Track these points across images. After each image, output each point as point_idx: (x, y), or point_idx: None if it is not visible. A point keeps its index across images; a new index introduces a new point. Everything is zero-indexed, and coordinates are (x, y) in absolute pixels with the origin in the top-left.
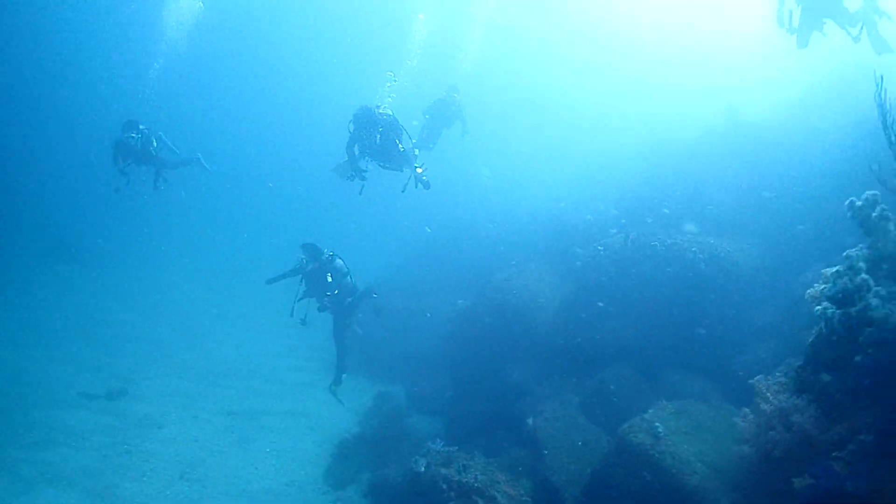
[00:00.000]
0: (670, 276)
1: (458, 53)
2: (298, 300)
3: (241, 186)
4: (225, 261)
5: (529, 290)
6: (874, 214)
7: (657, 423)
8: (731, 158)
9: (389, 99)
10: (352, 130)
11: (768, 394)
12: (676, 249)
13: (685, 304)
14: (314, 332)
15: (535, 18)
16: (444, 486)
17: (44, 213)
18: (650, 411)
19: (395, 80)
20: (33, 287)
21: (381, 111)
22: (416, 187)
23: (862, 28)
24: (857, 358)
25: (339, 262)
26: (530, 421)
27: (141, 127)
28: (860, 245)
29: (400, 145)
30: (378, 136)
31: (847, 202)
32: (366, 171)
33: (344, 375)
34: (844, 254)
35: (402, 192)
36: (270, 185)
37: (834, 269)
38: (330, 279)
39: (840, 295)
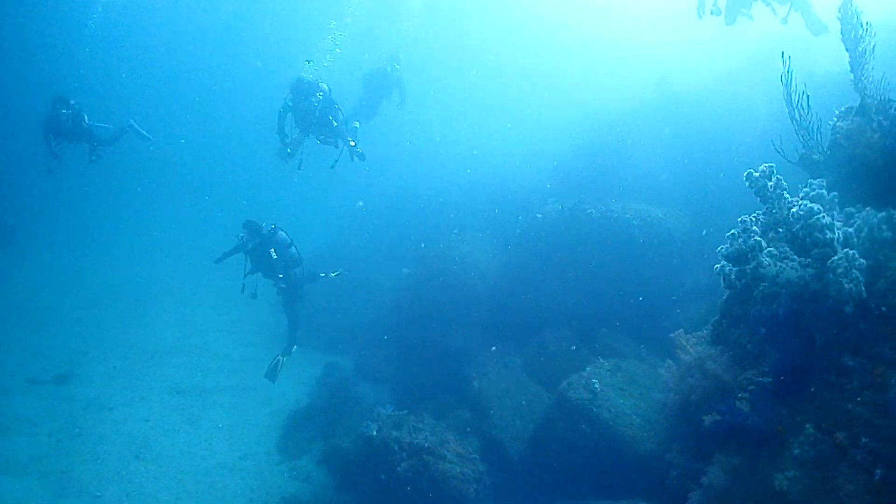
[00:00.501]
0: (606, 241)
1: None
2: (246, 275)
3: (183, 160)
4: (170, 239)
5: (471, 258)
6: (770, 184)
7: (594, 380)
8: (663, 128)
9: (326, 63)
10: (289, 100)
11: (688, 346)
12: (611, 216)
13: (620, 269)
14: (259, 307)
15: None
16: (396, 448)
17: None
18: (588, 369)
19: (337, 51)
20: None
21: (318, 84)
22: (353, 160)
23: (790, 9)
24: (753, 310)
25: (281, 234)
26: (476, 383)
27: (72, 102)
28: (757, 211)
29: (334, 122)
30: (316, 107)
31: (745, 173)
32: (300, 145)
33: (294, 347)
34: (739, 218)
35: (331, 167)
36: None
37: (730, 232)
38: (274, 255)
39: (735, 254)
